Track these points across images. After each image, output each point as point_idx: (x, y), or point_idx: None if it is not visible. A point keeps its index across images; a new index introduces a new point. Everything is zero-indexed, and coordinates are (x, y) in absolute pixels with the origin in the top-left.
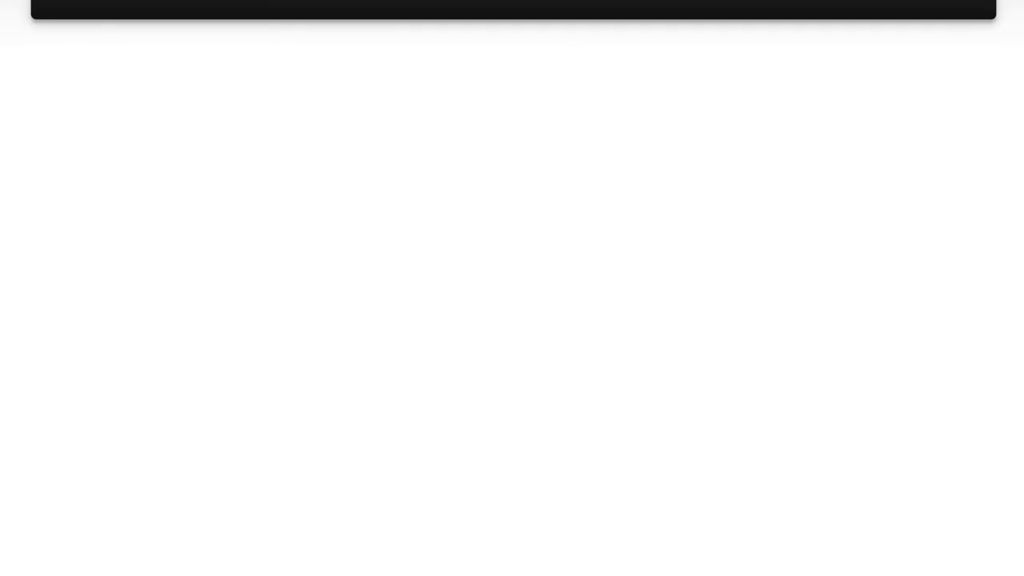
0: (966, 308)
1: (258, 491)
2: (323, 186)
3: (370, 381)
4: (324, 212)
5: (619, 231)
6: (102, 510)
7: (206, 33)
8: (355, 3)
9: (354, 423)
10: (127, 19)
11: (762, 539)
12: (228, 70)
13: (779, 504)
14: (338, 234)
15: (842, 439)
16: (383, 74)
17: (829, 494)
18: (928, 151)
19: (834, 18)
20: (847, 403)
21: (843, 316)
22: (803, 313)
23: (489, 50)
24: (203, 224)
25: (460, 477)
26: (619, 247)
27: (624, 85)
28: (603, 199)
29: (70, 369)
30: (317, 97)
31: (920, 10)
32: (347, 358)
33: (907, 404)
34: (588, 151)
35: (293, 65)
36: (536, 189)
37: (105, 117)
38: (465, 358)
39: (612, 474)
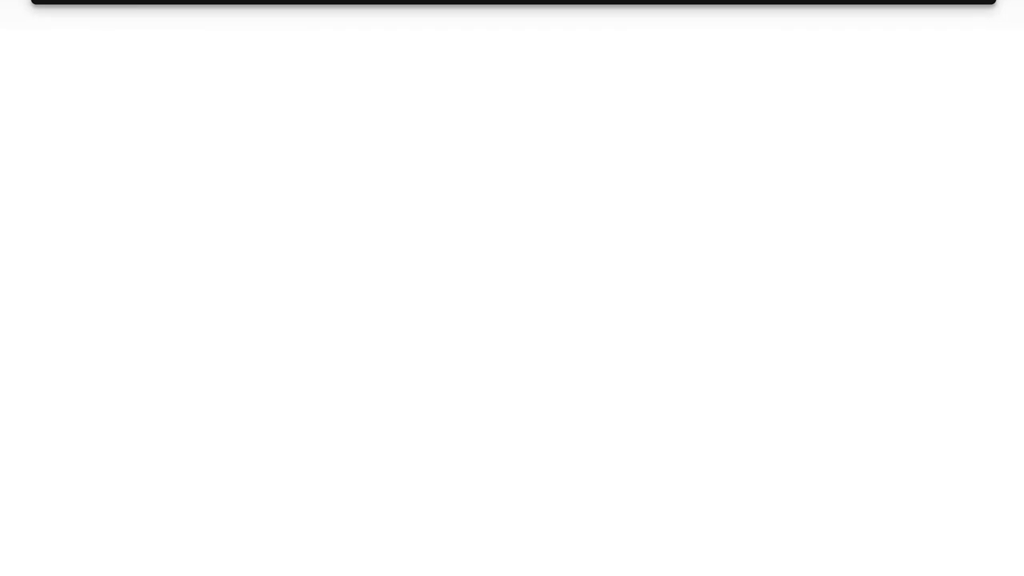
0: (964, 295)
1: (255, 489)
2: (321, 169)
3: (366, 376)
4: (323, 196)
5: (614, 218)
6: (102, 508)
7: (205, 19)
8: None
9: (349, 417)
10: (127, 4)
11: (759, 538)
12: (227, 56)
13: (777, 503)
14: (336, 222)
15: (839, 437)
16: (381, 60)
17: (826, 493)
18: (927, 137)
19: (833, 3)
20: (842, 395)
21: (838, 299)
22: (798, 297)
23: (483, 36)
24: (203, 207)
25: (458, 475)
26: (616, 238)
27: (618, 72)
28: (599, 188)
29: (65, 351)
30: (316, 83)
31: None
32: (342, 350)
33: (901, 394)
34: (584, 139)
35: (292, 51)
36: (531, 176)
37: (105, 103)
38: (458, 350)
39: (611, 472)
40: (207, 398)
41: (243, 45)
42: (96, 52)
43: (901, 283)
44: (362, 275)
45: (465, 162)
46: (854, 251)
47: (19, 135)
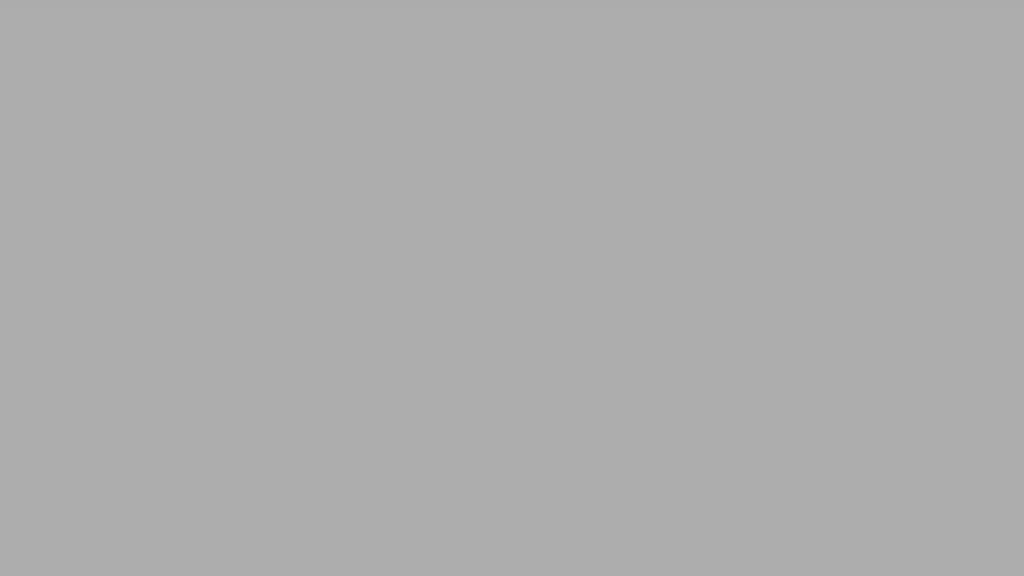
0: (967, 288)
1: (249, 486)
2: (320, 154)
3: (362, 375)
4: (321, 183)
5: (611, 208)
6: (103, 507)
7: (204, 10)
8: None
9: (346, 412)
10: None
11: (756, 539)
12: (225, 46)
13: (774, 503)
14: (334, 212)
15: (835, 434)
16: (378, 53)
17: (824, 493)
18: (924, 123)
19: None
20: (835, 386)
21: (834, 286)
22: (796, 285)
23: (479, 28)
24: (198, 192)
25: (455, 473)
26: (611, 236)
27: (616, 64)
28: (598, 178)
29: (65, 343)
30: (314, 75)
31: None
32: (340, 346)
33: (885, 375)
34: (583, 130)
35: (289, 41)
36: (529, 168)
37: (102, 93)
38: (455, 342)
39: (608, 470)
40: (190, 383)
41: (239, 35)
42: (93, 43)
43: (892, 273)
44: (360, 270)
45: (460, 155)
46: (844, 234)
47: (18, 123)
